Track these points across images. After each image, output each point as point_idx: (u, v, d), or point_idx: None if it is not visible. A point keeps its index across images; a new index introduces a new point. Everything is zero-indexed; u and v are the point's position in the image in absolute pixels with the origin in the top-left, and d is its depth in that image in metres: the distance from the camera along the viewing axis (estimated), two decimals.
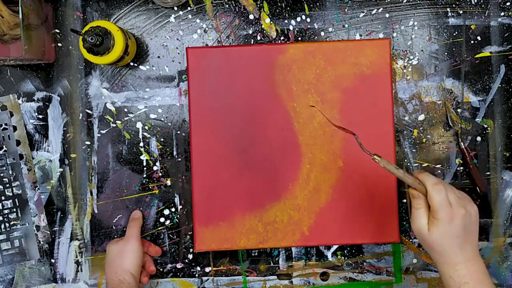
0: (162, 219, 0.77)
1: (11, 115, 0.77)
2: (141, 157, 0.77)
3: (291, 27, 0.77)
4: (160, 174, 0.77)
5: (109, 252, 0.72)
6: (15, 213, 0.76)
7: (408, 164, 0.77)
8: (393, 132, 0.74)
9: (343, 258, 0.78)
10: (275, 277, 0.78)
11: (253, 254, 0.78)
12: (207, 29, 0.77)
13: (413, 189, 0.60)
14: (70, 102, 0.77)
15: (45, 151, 0.77)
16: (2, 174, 0.76)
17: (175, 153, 0.77)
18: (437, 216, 0.58)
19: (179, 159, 0.77)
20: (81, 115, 0.77)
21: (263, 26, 0.77)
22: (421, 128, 0.77)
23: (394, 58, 0.77)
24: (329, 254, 0.78)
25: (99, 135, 0.77)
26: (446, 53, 0.77)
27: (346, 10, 0.77)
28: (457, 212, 0.58)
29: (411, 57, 0.77)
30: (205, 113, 0.74)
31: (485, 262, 0.77)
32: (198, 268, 0.78)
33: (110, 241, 0.74)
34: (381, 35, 0.77)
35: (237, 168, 0.74)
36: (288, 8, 0.77)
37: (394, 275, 0.78)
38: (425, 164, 0.77)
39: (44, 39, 0.74)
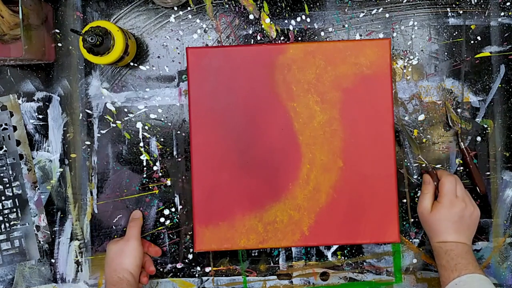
0: (162, 219, 0.77)
1: (11, 115, 0.77)
2: (141, 157, 0.77)
3: (291, 27, 0.77)
4: (160, 174, 0.77)
5: (109, 251, 0.72)
6: (15, 213, 0.76)
7: (408, 164, 0.77)
8: (393, 132, 0.74)
9: (343, 258, 0.78)
10: (275, 277, 0.78)
11: (253, 254, 0.78)
12: (207, 29, 0.77)
13: (427, 175, 0.72)
14: (70, 102, 0.77)
15: (45, 151, 0.77)
16: (2, 174, 0.76)
17: (175, 153, 0.77)
18: (442, 200, 0.69)
19: (179, 159, 0.77)
20: (81, 115, 0.77)
21: (263, 26, 0.77)
22: (421, 128, 0.77)
23: (394, 58, 0.77)
24: (329, 254, 0.78)
25: (99, 135, 0.77)
26: (446, 53, 0.77)
27: (346, 10, 0.77)
28: (459, 203, 0.68)
29: (411, 57, 0.77)
30: (205, 113, 0.74)
31: (485, 262, 0.77)
32: (198, 268, 0.78)
33: (110, 241, 0.74)
34: (381, 35, 0.77)
35: (237, 168, 0.74)
36: (288, 8, 0.77)
37: (394, 275, 0.78)
38: (425, 164, 0.77)
39: (44, 39, 0.74)
